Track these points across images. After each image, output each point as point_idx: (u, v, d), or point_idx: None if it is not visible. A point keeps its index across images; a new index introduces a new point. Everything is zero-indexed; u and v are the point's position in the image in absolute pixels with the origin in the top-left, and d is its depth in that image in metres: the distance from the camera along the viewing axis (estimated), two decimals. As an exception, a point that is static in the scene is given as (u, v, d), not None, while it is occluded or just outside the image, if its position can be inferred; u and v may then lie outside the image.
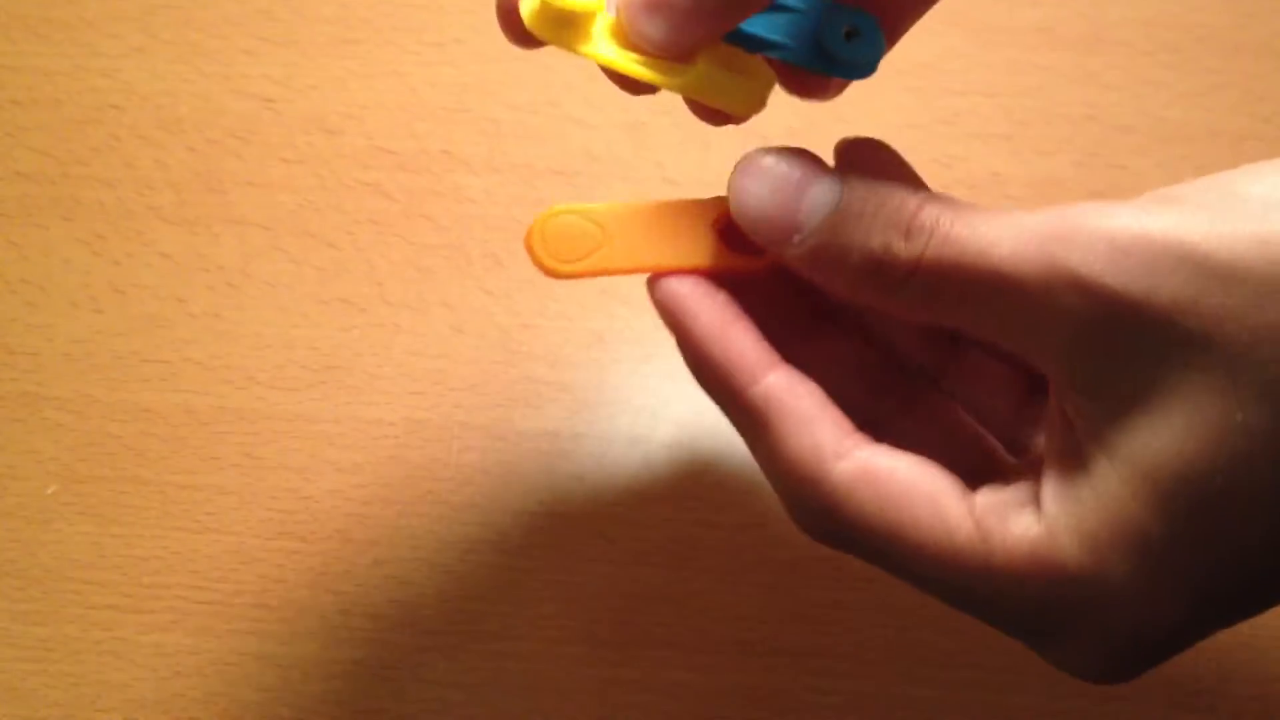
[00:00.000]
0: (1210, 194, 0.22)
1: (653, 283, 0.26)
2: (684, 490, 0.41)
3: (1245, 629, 0.37)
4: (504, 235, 0.44)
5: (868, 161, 0.28)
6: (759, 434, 0.25)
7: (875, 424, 0.27)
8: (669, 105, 0.44)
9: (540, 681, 0.38)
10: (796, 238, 0.24)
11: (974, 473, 0.26)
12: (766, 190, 0.25)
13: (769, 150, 0.25)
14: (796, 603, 0.39)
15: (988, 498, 0.24)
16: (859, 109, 0.45)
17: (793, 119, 0.44)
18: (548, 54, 0.49)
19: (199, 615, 0.39)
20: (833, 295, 0.25)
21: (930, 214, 0.23)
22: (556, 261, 0.26)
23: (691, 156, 0.45)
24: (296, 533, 0.40)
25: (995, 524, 0.23)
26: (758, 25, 0.26)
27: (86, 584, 0.40)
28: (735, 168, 0.26)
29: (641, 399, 0.42)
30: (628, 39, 0.25)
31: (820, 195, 0.24)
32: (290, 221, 0.44)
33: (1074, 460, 0.23)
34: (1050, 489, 0.23)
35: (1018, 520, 0.23)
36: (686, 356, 0.26)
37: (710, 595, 0.39)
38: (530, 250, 0.26)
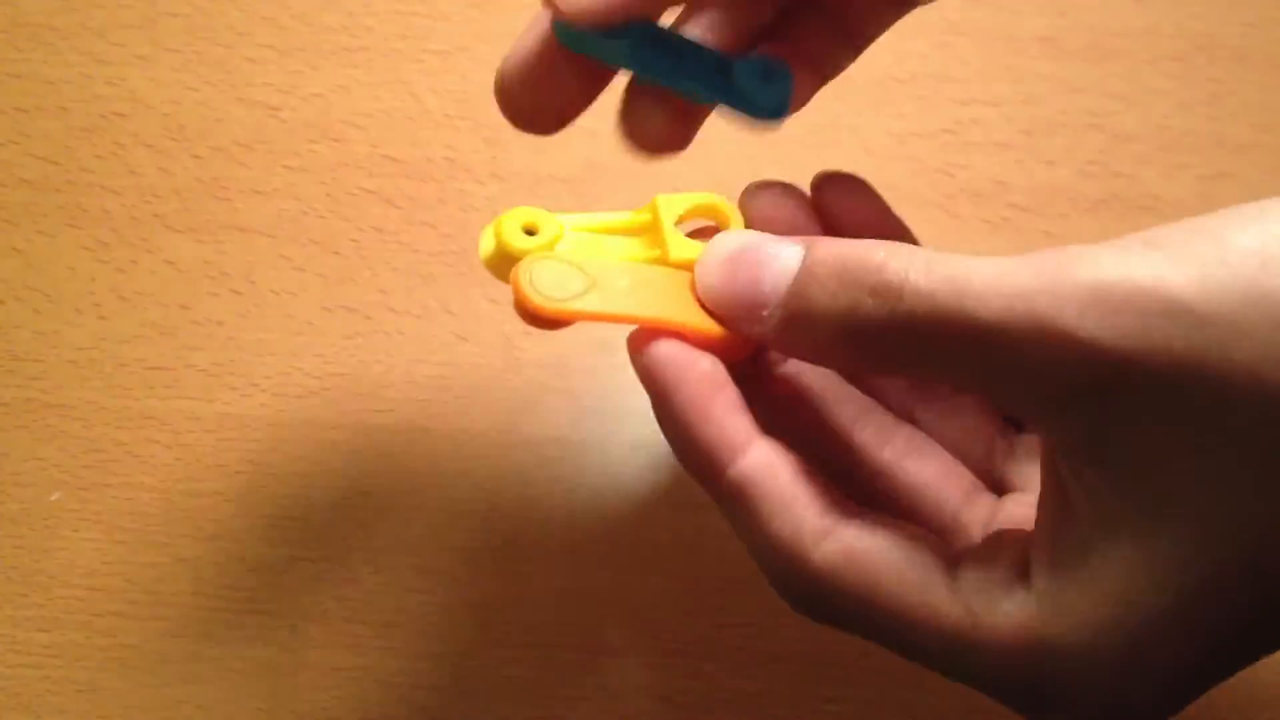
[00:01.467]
0: (1197, 242, 0.20)
1: (636, 348, 0.26)
2: (687, 496, 0.41)
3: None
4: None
5: (841, 198, 0.28)
6: (738, 515, 0.25)
7: (861, 460, 0.27)
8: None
9: (543, 688, 0.38)
10: (764, 313, 0.24)
11: (956, 516, 0.26)
12: (728, 271, 0.24)
13: (728, 234, 0.26)
14: (799, 610, 0.39)
15: (973, 575, 0.24)
16: (864, 118, 0.45)
17: (801, 130, 0.44)
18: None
19: (202, 622, 0.39)
20: (816, 364, 0.25)
21: (897, 267, 0.22)
22: (542, 301, 0.25)
23: (693, 163, 0.45)
24: (300, 540, 0.40)
25: (982, 606, 0.23)
26: (676, 69, 0.27)
27: (91, 590, 0.40)
28: (700, 255, 0.25)
29: (644, 404, 0.42)
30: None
31: (782, 267, 0.24)
32: (294, 229, 0.44)
33: (1068, 532, 0.22)
34: (1041, 563, 0.23)
35: (1006, 602, 0.23)
36: (664, 430, 0.26)
37: (713, 602, 0.39)
38: (515, 289, 0.25)
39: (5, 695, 0.38)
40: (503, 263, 0.26)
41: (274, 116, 0.46)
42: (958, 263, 0.22)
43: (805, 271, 0.23)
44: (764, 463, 0.24)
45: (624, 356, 0.42)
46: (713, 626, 0.39)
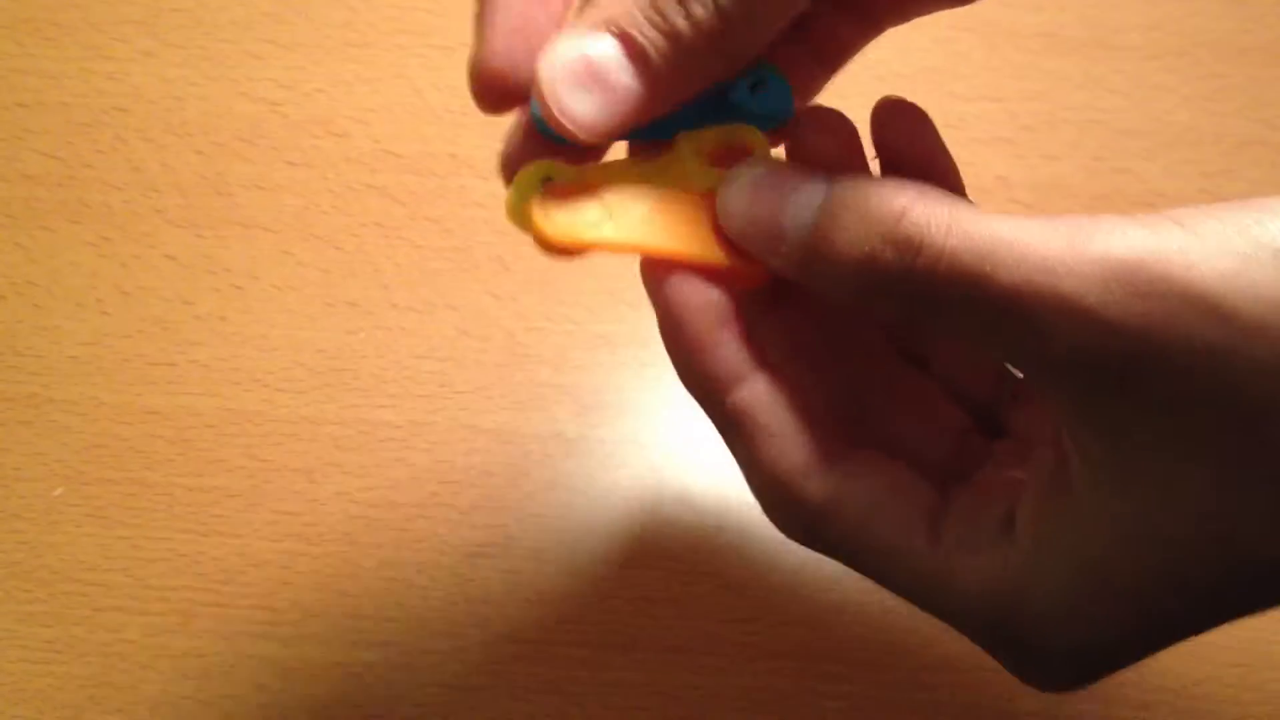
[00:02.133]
0: (1231, 236, 0.20)
1: (649, 275, 0.26)
2: (689, 494, 0.41)
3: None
4: (510, 239, 0.44)
5: (899, 131, 0.28)
6: (735, 443, 0.26)
7: (857, 402, 0.27)
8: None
9: (546, 684, 0.38)
10: (783, 247, 0.24)
11: (948, 458, 0.27)
12: (750, 199, 0.24)
13: (755, 160, 0.25)
14: (801, 606, 0.39)
15: (956, 525, 0.24)
16: (866, 114, 0.45)
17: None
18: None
19: (205, 617, 0.39)
20: (832, 301, 0.25)
21: (917, 219, 0.22)
22: (555, 231, 0.25)
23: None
24: (302, 535, 0.40)
25: (961, 559, 0.24)
26: (670, 124, 0.26)
27: (93, 586, 0.40)
28: (723, 179, 0.25)
29: (646, 402, 0.42)
30: (549, 119, 0.24)
31: (804, 201, 0.24)
32: (296, 224, 0.44)
33: (1059, 497, 0.23)
34: (1027, 522, 0.23)
35: (984, 557, 0.24)
36: (671, 357, 0.26)
37: (715, 598, 0.39)
38: (532, 218, 0.25)
39: (8, 690, 0.38)
40: (524, 215, 0.26)
41: (276, 112, 0.46)
42: (982, 221, 0.21)
43: (826, 210, 0.23)
44: (761, 396, 0.25)
45: (625, 353, 0.43)
46: (714, 623, 0.39)
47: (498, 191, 0.47)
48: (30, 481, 0.41)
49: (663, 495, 0.41)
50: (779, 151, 0.28)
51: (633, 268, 0.42)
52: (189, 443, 0.41)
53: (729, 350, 0.25)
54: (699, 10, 0.23)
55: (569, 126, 0.24)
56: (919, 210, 0.22)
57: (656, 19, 0.23)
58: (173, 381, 0.42)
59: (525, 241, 0.47)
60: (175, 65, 0.47)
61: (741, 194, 0.25)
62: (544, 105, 0.24)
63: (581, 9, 0.25)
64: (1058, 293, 0.20)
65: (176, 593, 0.39)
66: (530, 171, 0.26)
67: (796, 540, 0.26)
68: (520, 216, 0.26)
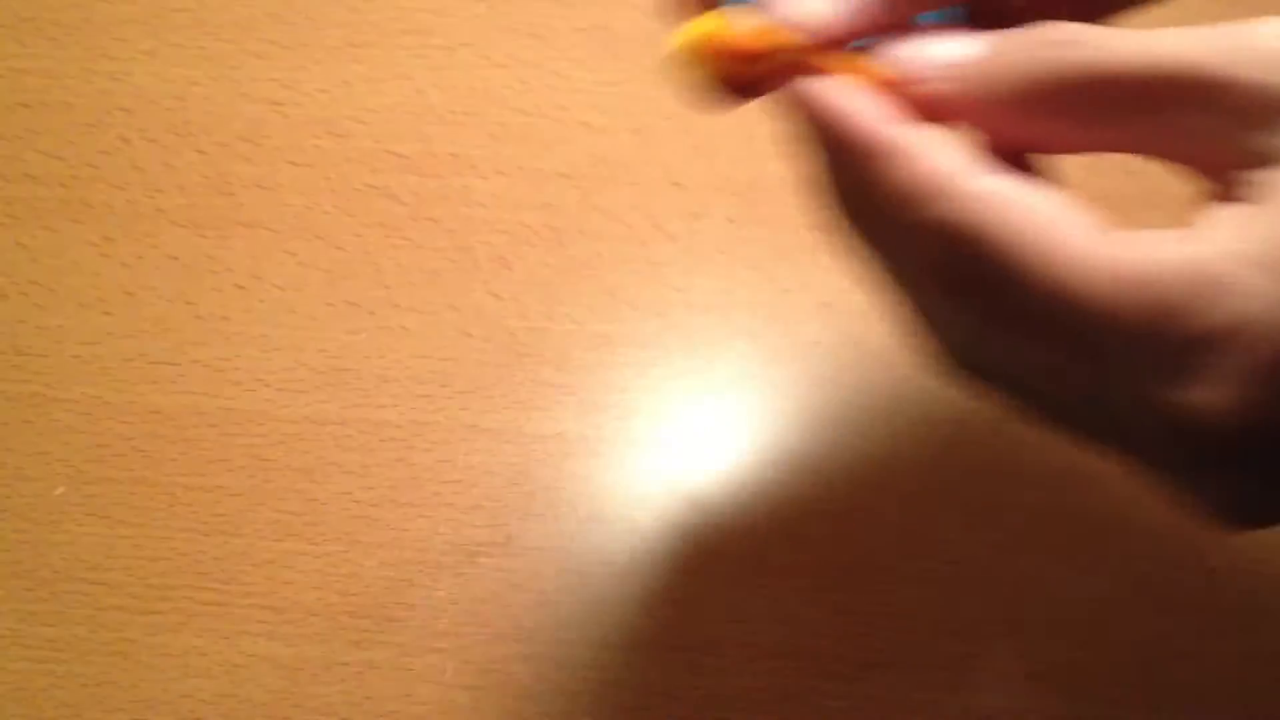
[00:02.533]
0: None
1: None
2: (690, 493, 0.41)
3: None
4: (511, 238, 0.44)
5: None
6: (874, 166, 0.23)
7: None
8: (675, 109, 0.44)
9: (547, 684, 0.38)
10: (956, 69, 0.23)
11: None
12: (921, 40, 0.24)
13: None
14: (803, 606, 0.39)
15: (1126, 230, 0.22)
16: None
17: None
18: (553, 58, 0.49)
19: (206, 616, 0.39)
20: (997, 137, 0.24)
21: (1088, 31, 0.22)
22: (746, 34, 0.24)
23: (698, 160, 0.45)
24: (304, 534, 0.40)
25: (1127, 244, 0.21)
26: None
27: (95, 585, 0.40)
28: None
29: (648, 401, 0.42)
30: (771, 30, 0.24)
31: (974, 39, 0.23)
32: (298, 224, 0.44)
33: (1256, 192, 0.21)
34: (1215, 212, 0.21)
35: (1158, 240, 0.21)
36: (805, 98, 0.24)
37: (716, 598, 0.39)
38: (712, 32, 0.24)
39: (9, 689, 0.38)
40: (698, 40, 0.25)
41: (278, 112, 0.46)
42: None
43: (1001, 35, 0.23)
44: (912, 126, 0.23)
45: (625, 353, 0.43)
46: (716, 623, 0.39)
47: (499, 191, 0.47)
48: (32, 481, 0.41)
49: (664, 495, 0.41)
50: None
51: (631, 269, 0.42)
52: (191, 442, 0.41)
53: (873, 101, 0.23)
54: None
55: (799, 18, 0.23)
56: (1089, 28, 0.22)
57: None
58: (175, 381, 0.42)
59: (526, 241, 0.47)
60: (177, 65, 0.47)
61: (915, 38, 0.24)
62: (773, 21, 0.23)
63: None
64: (1235, 45, 0.21)
65: (178, 592, 0.39)
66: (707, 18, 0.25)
67: (929, 260, 0.23)
68: (690, 46, 0.25)
